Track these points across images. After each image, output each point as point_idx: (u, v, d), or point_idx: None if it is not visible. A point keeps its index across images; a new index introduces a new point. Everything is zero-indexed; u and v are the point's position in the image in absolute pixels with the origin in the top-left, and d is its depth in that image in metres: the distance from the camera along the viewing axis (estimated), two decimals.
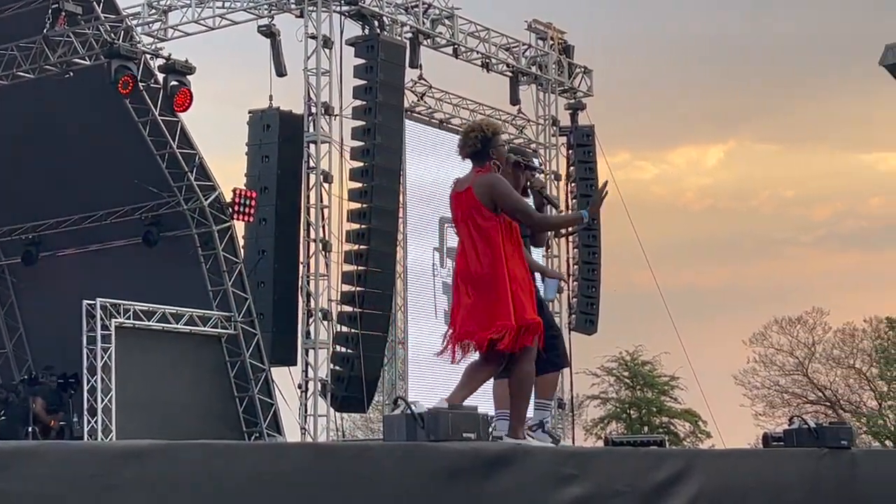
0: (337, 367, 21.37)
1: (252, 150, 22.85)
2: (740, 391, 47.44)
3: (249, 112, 23.03)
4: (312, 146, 21.58)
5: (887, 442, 44.17)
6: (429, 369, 23.86)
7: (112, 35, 20.23)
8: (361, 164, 21.72)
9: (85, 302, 19.94)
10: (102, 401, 19.60)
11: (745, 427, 45.12)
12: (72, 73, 20.78)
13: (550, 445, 7.07)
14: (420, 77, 24.52)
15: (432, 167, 24.57)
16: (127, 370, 20.04)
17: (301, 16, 21.68)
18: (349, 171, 21.83)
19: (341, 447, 6.35)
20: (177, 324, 21.09)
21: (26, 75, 21.13)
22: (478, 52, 25.16)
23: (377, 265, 21.76)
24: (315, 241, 21.45)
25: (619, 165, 55.13)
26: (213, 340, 21.71)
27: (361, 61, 21.84)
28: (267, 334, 22.06)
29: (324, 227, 21.51)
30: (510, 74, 26.09)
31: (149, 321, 20.65)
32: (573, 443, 25.85)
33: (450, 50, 24.58)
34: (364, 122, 21.76)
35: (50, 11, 20.11)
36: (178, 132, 21.17)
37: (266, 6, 21.92)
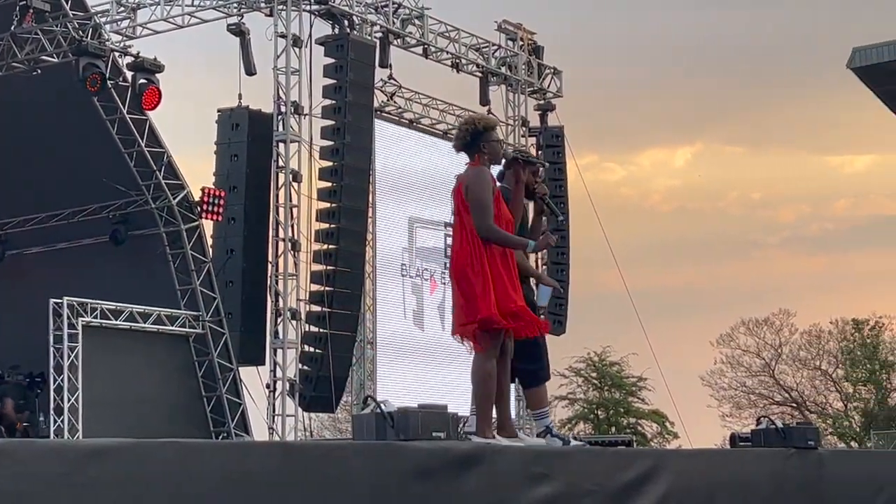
0: (305, 367, 21.33)
1: (221, 148, 22.78)
2: (707, 392, 47.73)
3: (218, 111, 22.95)
4: (281, 145, 21.54)
5: (852, 443, 44.44)
6: (397, 369, 23.86)
7: (80, 32, 20.10)
8: (331, 163, 21.70)
9: (52, 301, 19.82)
10: (69, 400, 19.48)
11: (712, 428, 45.39)
12: (39, 71, 20.65)
13: (519, 444, 7.06)
14: (390, 77, 24.52)
15: (402, 167, 24.56)
16: (94, 369, 19.93)
17: (270, 14, 21.63)
18: (318, 171, 21.80)
19: (311, 446, 6.33)
20: (144, 323, 20.99)
21: None
22: (448, 53, 25.18)
23: (346, 265, 21.74)
24: (284, 240, 21.41)
25: (587, 167, 55.28)
26: (181, 340, 21.62)
27: (331, 60, 21.81)
28: (235, 334, 21.99)
29: (293, 226, 21.48)
30: (480, 75, 26.12)
31: (116, 320, 20.55)
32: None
33: (420, 50, 24.58)
34: (333, 122, 21.73)
35: (17, 8, 19.97)
36: (146, 130, 21.07)
37: (235, 4, 21.85)
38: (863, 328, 47.54)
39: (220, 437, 21.36)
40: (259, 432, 21.97)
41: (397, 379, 23.64)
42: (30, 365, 21.04)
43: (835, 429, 45.76)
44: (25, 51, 20.36)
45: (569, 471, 6.66)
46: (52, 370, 19.63)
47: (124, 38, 21.91)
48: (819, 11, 66.00)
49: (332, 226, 21.62)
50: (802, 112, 66.02)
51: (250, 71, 21.81)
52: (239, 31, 21.77)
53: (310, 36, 21.87)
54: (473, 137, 7.19)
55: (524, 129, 27.03)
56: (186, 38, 24.19)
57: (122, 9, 22.22)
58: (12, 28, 20.09)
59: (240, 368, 22.02)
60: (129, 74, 20.38)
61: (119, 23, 22.23)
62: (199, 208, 21.54)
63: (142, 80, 20.05)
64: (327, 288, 21.48)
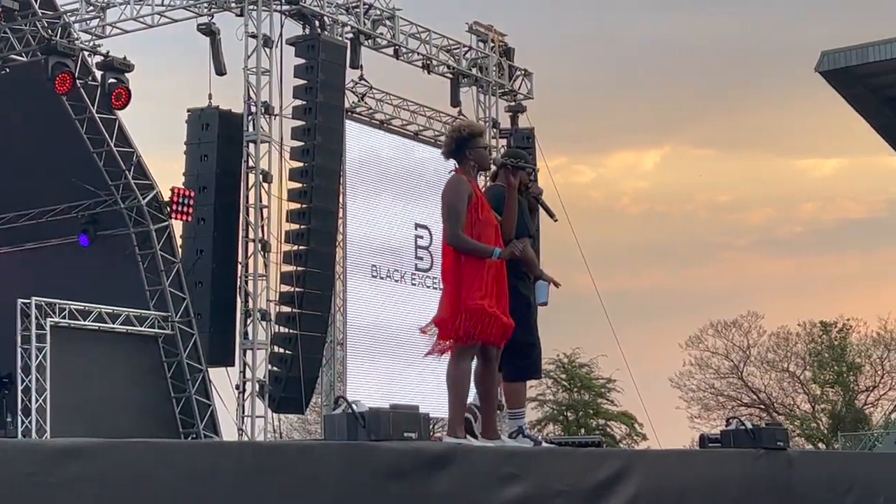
0: (275, 368, 21.30)
1: (191, 149, 22.70)
2: (676, 394, 47.93)
3: (188, 111, 22.88)
4: (252, 146, 21.51)
5: (820, 444, 44.68)
6: (367, 370, 23.84)
7: (49, 31, 20.00)
8: (301, 164, 21.67)
9: (20, 301, 19.71)
10: (37, 401, 19.37)
11: (681, 429, 45.58)
12: (8, 70, 20.54)
13: (491, 445, 7.06)
14: (361, 77, 24.50)
15: (373, 168, 24.55)
16: (62, 370, 19.82)
17: (241, 14, 21.60)
18: (289, 171, 21.79)
19: (283, 446, 6.33)
20: (113, 323, 20.89)
21: None
22: (419, 54, 25.18)
23: (316, 266, 21.72)
24: (254, 241, 21.37)
25: (557, 169, 55.32)
26: (150, 340, 21.55)
27: (302, 61, 21.79)
28: (204, 334, 21.92)
29: (263, 227, 21.45)
30: (451, 76, 26.12)
31: (84, 321, 20.45)
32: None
33: (391, 51, 24.58)
34: (304, 122, 21.71)
35: None
36: (115, 130, 20.98)
37: (206, 4, 21.78)
38: (830, 330, 47.83)
39: (190, 438, 21.28)
40: (228, 433, 21.93)
41: (368, 380, 23.62)
42: None
43: (802, 430, 46.01)
44: None
45: (540, 471, 6.68)
46: (19, 371, 19.53)
47: (94, 38, 21.80)
48: (789, 15, 66.41)
49: (303, 227, 21.60)
50: (770, 115, 66.38)
51: (221, 71, 21.75)
52: (209, 31, 21.70)
53: (280, 36, 21.88)
54: (459, 144, 7.23)
55: (495, 130, 27.04)
56: (156, 37, 24.14)
57: (91, 8, 22.09)
58: None
59: (209, 369, 21.96)
60: (98, 74, 20.30)
61: (88, 22, 22.11)
62: (168, 208, 21.47)
63: (111, 80, 19.96)
64: (297, 289, 21.45)
